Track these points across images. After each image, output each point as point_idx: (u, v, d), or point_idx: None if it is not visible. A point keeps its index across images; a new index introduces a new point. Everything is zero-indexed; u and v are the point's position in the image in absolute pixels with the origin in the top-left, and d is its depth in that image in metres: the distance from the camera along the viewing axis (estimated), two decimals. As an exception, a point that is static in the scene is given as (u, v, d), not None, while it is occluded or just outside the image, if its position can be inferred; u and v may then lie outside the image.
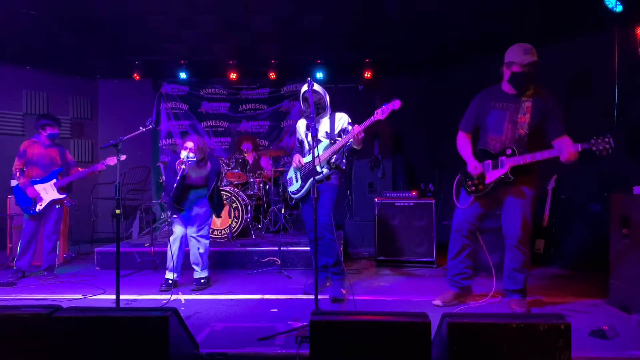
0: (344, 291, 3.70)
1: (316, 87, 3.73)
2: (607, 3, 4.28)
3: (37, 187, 4.57)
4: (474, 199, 3.44)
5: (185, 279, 4.34)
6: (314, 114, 3.36)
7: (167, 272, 4.15)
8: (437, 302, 3.52)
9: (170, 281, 4.09)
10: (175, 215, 4.17)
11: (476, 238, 3.57)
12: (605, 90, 4.82)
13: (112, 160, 4.54)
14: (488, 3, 4.85)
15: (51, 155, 4.70)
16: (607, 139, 2.85)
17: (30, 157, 4.63)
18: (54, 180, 4.62)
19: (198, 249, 4.15)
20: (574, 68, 5.21)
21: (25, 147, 4.66)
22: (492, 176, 3.31)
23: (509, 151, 3.22)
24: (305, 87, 3.45)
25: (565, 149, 2.99)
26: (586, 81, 5.09)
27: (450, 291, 3.56)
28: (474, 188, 3.41)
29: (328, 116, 3.90)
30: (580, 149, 2.96)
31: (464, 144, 3.52)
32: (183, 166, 3.93)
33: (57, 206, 4.66)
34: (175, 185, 3.92)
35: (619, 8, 4.25)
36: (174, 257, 4.10)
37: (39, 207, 4.55)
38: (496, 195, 3.38)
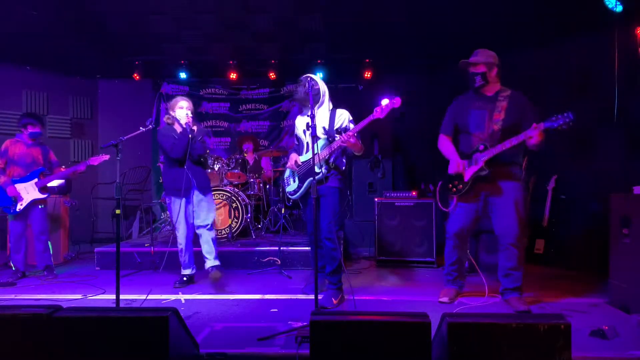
0: (335, 301, 3.55)
1: (312, 76, 3.63)
2: (607, 3, 4.28)
3: (18, 186, 4.50)
4: (457, 199, 3.55)
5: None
6: (314, 115, 3.20)
7: (182, 269, 4.27)
8: (444, 299, 3.58)
9: (185, 278, 4.21)
10: (170, 198, 4.16)
11: (467, 241, 3.72)
12: (605, 90, 4.81)
13: (94, 160, 4.47)
14: (488, 4, 4.86)
15: (33, 155, 4.63)
16: (565, 114, 2.98)
17: (12, 156, 4.56)
18: (35, 180, 4.55)
19: (209, 236, 4.16)
20: (574, 68, 5.21)
21: (6, 146, 4.58)
22: (468, 173, 3.42)
23: (481, 147, 3.36)
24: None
25: (530, 130, 3.10)
26: (586, 81, 5.09)
27: (452, 289, 3.67)
28: (455, 189, 3.52)
29: (328, 110, 3.67)
30: (543, 128, 3.05)
31: (446, 144, 3.66)
32: (186, 119, 4.04)
33: (40, 206, 4.59)
34: (183, 142, 3.99)
35: (619, 8, 4.26)
36: (185, 253, 4.20)
37: (19, 207, 4.48)
38: (479, 193, 3.46)
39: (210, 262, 4.17)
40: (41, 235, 4.63)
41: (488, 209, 3.49)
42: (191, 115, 4.15)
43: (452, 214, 3.63)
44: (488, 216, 3.54)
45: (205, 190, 4.19)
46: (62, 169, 4.76)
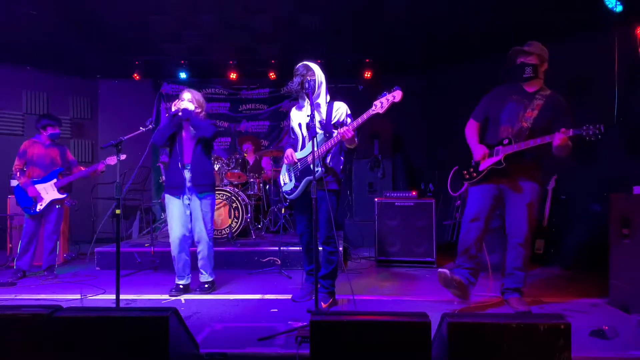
0: (324, 305, 3.43)
1: (310, 64, 3.47)
2: (607, 3, 4.28)
3: (38, 187, 4.57)
4: (467, 186, 3.50)
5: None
6: (314, 115, 3.13)
7: (176, 278, 3.94)
8: (445, 270, 3.35)
9: (181, 286, 3.92)
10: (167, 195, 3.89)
11: (485, 234, 3.44)
12: (605, 90, 4.82)
13: (112, 160, 4.56)
14: (488, 4, 4.85)
15: (51, 155, 4.70)
16: (597, 125, 2.92)
17: (31, 157, 4.63)
18: (55, 180, 4.62)
19: (207, 251, 3.93)
20: (574, 68, 5.21)
21: (25, 147, 4.66)
22: (485, 164, 3.36)
23: (505, 141, 3.29)
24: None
25: (558, 134, 3.03)
26: (586, 81, 5.09)
27: (457, 277, 3.35)
28: (467, 176, 3.46)
29: (325, 103, 3.49)
30: (571, 134, 3.00)
31: (472, 132, 3.54)
32: (178, 107, 3.82)
33: (57, 206, 4.66)
34: (161, 124, 3.81)
35: (619, 8, 4.26)
36: (180, 262, 3.90)
37: (39, 207, 4.55)
38: (498, 190, 3.38)
39: (204, 276, 3.99)
40: (53, 235, 4.68)
41: (503, 205, 3.44)
42: (195, 106, 3.92)
43: (469, 197, 3.49)
44: (495, 214, 3.50)
45: (201, 188, 3.85)
46: (82, 169, 4.82)
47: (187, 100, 3.89)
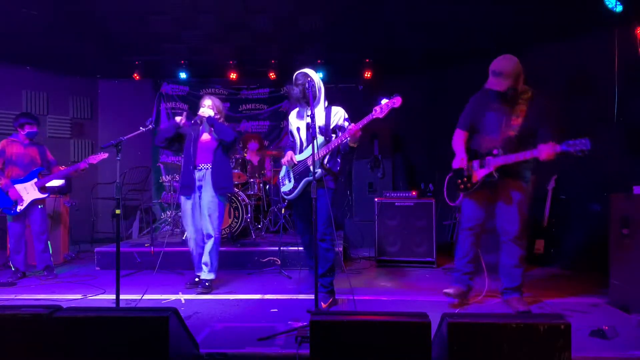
0: (324, 305, 3.46)
1: (308, 71, 3.53)
2: (607, 3, 4.28)
3: (18, 187, 4.49)
4: (462, 196, 3.55)
5: (187, 279, 4.35)
6: (314, 115, 3.16)
7: (195, 269, 4.21)
8: (449, 290, 3.47)
9: (196, 279, 4.15)
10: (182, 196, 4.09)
11: (481, 238, 3.56)
12: (605, 90, 4.82)
13: (94, 159, 4.46)
14: (488, 4, 4.85)
15: (31, 155, 4.62)
16: (582, 141, 2.91)
17: (10, 156, 4.54)
18: (35, 180, 4.54)
19: (212, 246, 4.02)
20: (574, 68, 5.21)
21: (3, 147, 4.56)
22: (478, 175, 3.38)
23: (495, 151, 3.29)
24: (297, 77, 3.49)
25: (545, 149, 3.03)
26: (586, 81, 5.09)
27: (457, 287, 3.52)
28: (462, 186, 3.49)
29: (324, 108, 3.57)
30: (559, 150, 3.00)
31: (458, 140, 3.58)
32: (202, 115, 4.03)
33: (39, 206, 4.59)
34: (165, 126, 4.05)
35: (619, 8, 4.26)
36: (197, 257, 4.13)
37: (19, 208, 4.47)
38: (489, 193, 3.42)
39: (204, 274, 4.05)
40: (41, 235, 4.63)
41: (495, 207, 3.46)
42: (215, 112, 4.10)
43: (463, 205, 3.57)
44: (492, 213, 3.51)
45: (221, 190, 4.03)
46: (61, 168, 4.76)
47: (208, 107, 4.10)
